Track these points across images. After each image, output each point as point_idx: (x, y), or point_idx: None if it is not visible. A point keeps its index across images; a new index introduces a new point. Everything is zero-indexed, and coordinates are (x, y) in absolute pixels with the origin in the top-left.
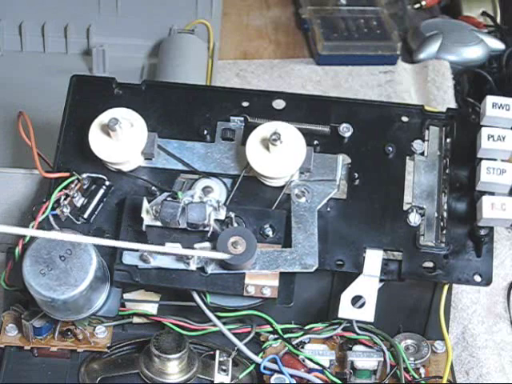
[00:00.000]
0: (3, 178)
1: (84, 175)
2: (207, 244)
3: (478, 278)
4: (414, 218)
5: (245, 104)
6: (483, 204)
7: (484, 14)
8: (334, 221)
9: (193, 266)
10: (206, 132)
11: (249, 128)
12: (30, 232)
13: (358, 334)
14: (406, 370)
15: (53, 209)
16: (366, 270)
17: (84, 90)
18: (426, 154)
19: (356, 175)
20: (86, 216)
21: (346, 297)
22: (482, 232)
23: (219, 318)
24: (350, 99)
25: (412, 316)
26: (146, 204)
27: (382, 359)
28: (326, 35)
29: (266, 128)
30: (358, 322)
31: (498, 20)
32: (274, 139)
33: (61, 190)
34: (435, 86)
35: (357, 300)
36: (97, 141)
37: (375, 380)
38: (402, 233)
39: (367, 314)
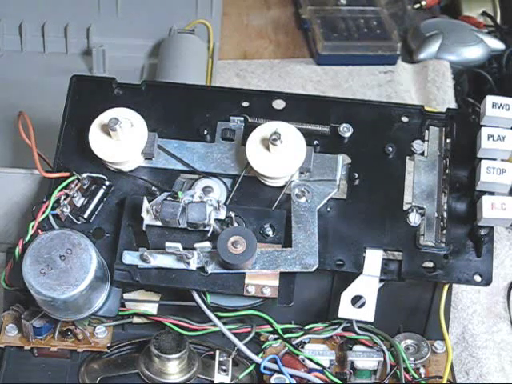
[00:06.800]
0: (3, 178)
1: (84, 175)
2: (207, 243)
3: (478, 278)
4: (414, 218)
5: (245, 104)
6: (483, 204)
7: (484, 13)
8: (333, 221)
9: (193, 266)
10: (206, 132)
11: (249, 128)
12: None
13: (358, 334)
14: (406, 370)
15: (53, 209)
16: (366, 269)
17: (84, 90)
18: (426, 154)
19: (356, 175)
20: (86, 216)
21: (346, 297)
22: (482, 232)
23: (219, 317)
24: (350, 99)
25: (412, 316)
26: (146, 204)
27: (381, 359)
28: (326, 35)
29: (266, 128)
30: (358, 321)
31: (498, 20)
32: (274, 139)
33: (61, 190)
34: (435, 85)
35: (357, 300)
36: (97, 141)
37: (375, 380)
38: (401, 233)
39: (367, 313)
